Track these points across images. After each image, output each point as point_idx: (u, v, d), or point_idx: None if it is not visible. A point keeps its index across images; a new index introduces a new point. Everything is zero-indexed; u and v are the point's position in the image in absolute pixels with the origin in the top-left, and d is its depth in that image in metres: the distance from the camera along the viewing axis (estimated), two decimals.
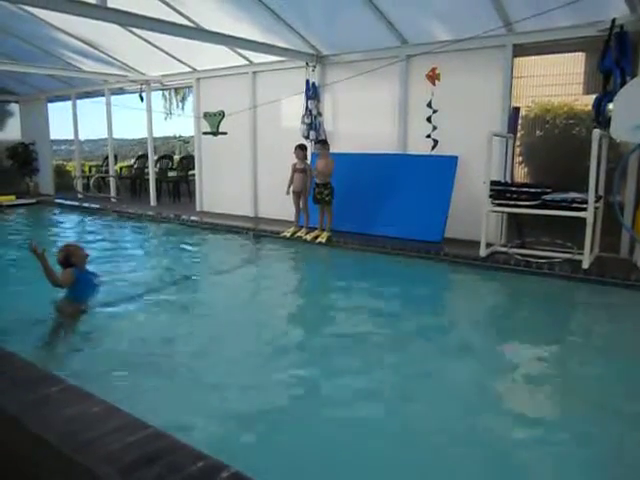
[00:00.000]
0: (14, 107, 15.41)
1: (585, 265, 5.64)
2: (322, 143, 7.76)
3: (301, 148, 7.85)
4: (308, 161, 8.09)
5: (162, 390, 3.27)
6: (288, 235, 7.92)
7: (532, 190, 6.06)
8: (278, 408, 3.06)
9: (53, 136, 15.06)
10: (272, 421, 2.92)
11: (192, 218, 9.72)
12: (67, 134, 15.34)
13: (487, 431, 2.84)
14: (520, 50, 6.81)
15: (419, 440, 2.75)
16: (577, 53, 6.85)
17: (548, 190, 5.99)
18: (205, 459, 1.93)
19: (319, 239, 7.59)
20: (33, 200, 13.02)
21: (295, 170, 7.86)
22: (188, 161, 13.38)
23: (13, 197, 12.68)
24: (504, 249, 6.48)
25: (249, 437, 2.75)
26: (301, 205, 7.97)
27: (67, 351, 3.97)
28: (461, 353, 3.94)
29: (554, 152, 7.09)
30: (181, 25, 7.17)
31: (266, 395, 3.22)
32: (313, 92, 8.49)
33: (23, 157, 14.76)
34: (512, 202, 6.13)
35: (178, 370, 3.56)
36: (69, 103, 13.73)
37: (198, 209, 10.83)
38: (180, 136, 21.98)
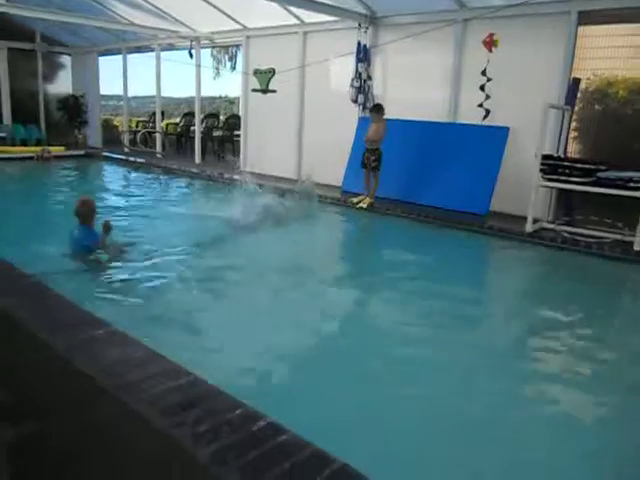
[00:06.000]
0: (66, 59, 15.63)
1: (637, 247, 5.43)
2: (376, 109, 7.52)
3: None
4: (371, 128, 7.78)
5: None
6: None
7: (586, 166, 5.84)
8: None
9: (101, 91, 15.26)
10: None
11: (235, 177, 9.76)
12: (114, 90, 15.58)
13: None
14: (585, 18, 6.46)
15: None
16: None
17: (603, 167, 5.76)
18: (243, 407, 1.96)
19: (360, 204, 7.52)
20: (82, 152, 13.30)
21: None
22: (234, 121, 13.37)
23: (63, 148, 12.99)
24: (551, 226, 6.28)
25: None
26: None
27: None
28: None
29: (613, 128, 6.78)
30: None
31: None
32: (364, 55, 8.29)
33: (73, 109, 15.00)
34: (564, 178, 5.93)
35: None
36: (117, 61, 13.81)
37: (242, 168, 10.85)
38: (226, 96, 21.97)
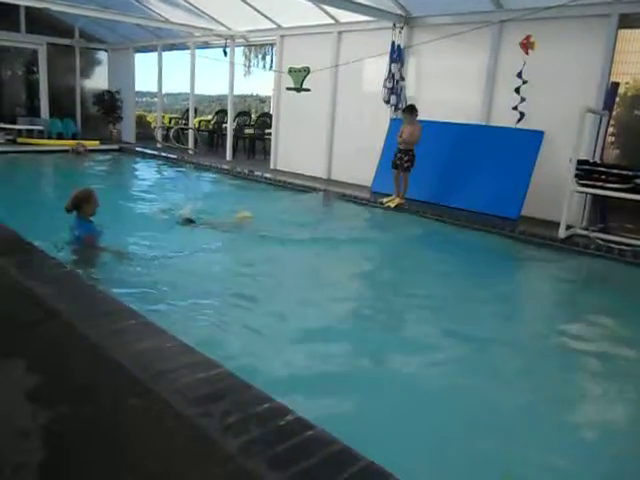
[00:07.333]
0: (103, 55, 15.92)
1: None
2: (410, 110, 7.43)
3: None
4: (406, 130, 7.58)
5: None
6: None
7: (624, 172, 5.70)
8: None
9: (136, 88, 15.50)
10: None
11: (265, 175, 9.82)
12: (147, 86, 15.78)
13: None
14: (627, 21, 6.32)
15: None
16: None
17: None
18: (271, 402, 1.97)
19: (387, 203, 7.49)
20: (115, 147, 13.55)
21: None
22: (265, 119, 13.46)
23: (97, 142, 13.24)
24: (585, 232, 6.16)
25: None
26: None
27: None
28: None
29: None
30: None
31: None
32: (397, 55, 8.24)
33: (108, 104, 15.26)
34: (600, 184, 5.81)
35: None
36: (150, 57, 14.00)
37: (272, 167, 10.92)
38: (256, 95, 22.16)
